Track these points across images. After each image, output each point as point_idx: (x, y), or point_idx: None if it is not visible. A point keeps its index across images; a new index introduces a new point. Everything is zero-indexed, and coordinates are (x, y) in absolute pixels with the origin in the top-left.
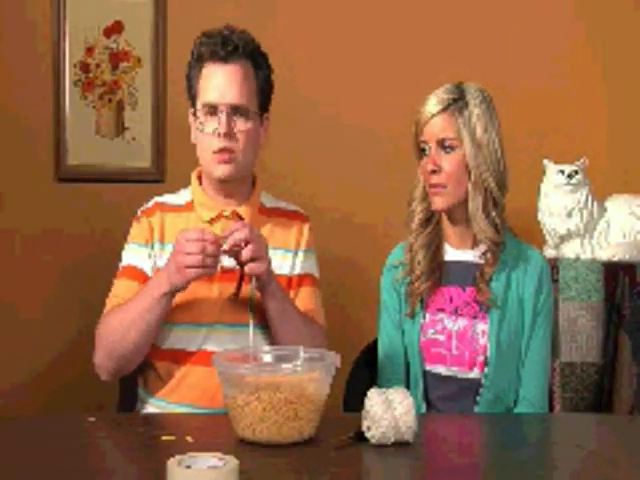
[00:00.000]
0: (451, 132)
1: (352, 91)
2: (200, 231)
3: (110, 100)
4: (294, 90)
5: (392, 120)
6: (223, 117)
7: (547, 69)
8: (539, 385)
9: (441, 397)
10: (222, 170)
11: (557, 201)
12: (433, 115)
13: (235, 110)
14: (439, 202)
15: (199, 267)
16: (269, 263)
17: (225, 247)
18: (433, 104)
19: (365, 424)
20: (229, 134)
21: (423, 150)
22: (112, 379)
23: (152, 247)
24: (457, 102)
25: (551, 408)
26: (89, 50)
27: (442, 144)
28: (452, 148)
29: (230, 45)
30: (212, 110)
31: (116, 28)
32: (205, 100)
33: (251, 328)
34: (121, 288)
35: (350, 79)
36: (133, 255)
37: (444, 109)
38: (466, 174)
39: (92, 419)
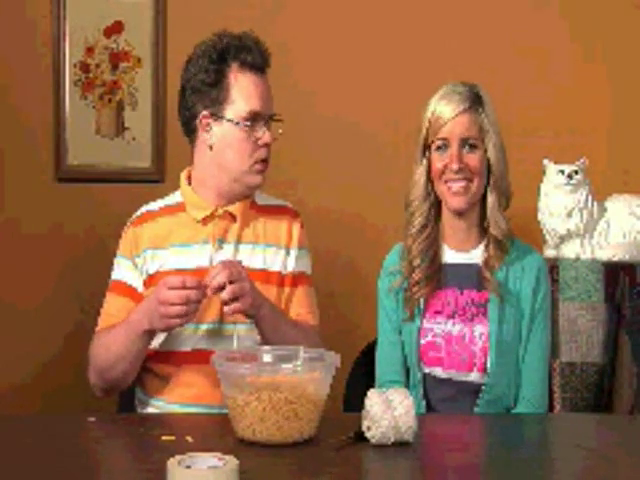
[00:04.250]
0: (474, 131)
1: (351, 90)
2: (182, 280)
3: (110, 100)
4: (292, 89)
5: (391, 120)
6: (265, 127)
7: (547, 69)
8: (538, 385)
9: (440, 399)
10: (259, 180)
11: (557, 201)
12: (457, 114)
13: (270, 120)
14: (461, 201)
15: (182, 317)
16: (254, 296)
17: (209, 293)
18: (457, 102)
19: (365, 424)
20: (270, 144)
21: (439, 148)
22: (107, 397)
23: (139, 257)
24: (477, 102)
25: (551, 408)
26: (89, 50)
27: (466, 142)
28: (475, 147)
29: (266, 57)
30: (254, 118)
31: (116, 28)
32: (252, 108)
33: (235, 339)
34: (111, 305)
35: (348, 78)
36: (120, 269)
37: (468, 108)
38: (486, 173)
39: (92, 419)
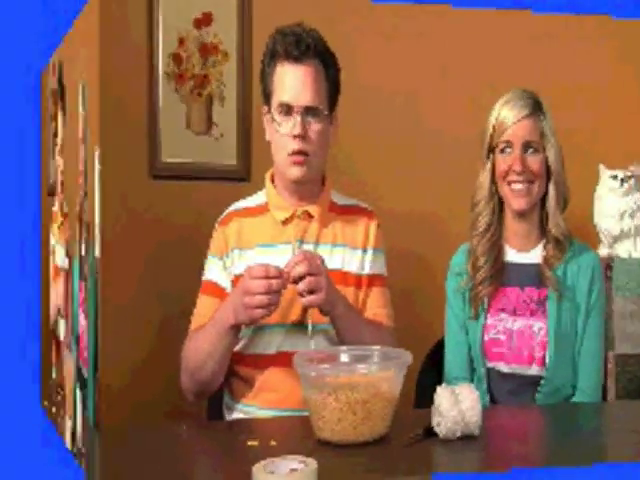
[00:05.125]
0: (536, 136)
1: (426, 93)
2: (264, 269)
3: (200, 94)
4: (369, 91)
5: (463, 123)
6: (298, 118)
7: (594, 74)
8: (593, 376)
9: (503, 392)
10: (296, 172)
11: (611, 204)
12: (520, 118)
13: (308, 111)
14: (522, 202)
15: (265, 307)
16: (330, 292)
17: (289, 280)
18: (520, 108)
19: (435, 420)
20: (304, 136)
21: (503, 150)
22: (197, 401)
23: (228, 257)
24: (538, 109)
25: (604, 397)
26: (181, 41)
27: (528, 146)
28: (536, 151)
29: (303, 44)
30: (287, 110)
31: (205, 20)
32: (280, 100)
33: (313, 340)
34: (203, 306)
35: (428, 81)
36: (211, 269)
37: (531, 114)
38: (546, 175)
39: (184, 427)
